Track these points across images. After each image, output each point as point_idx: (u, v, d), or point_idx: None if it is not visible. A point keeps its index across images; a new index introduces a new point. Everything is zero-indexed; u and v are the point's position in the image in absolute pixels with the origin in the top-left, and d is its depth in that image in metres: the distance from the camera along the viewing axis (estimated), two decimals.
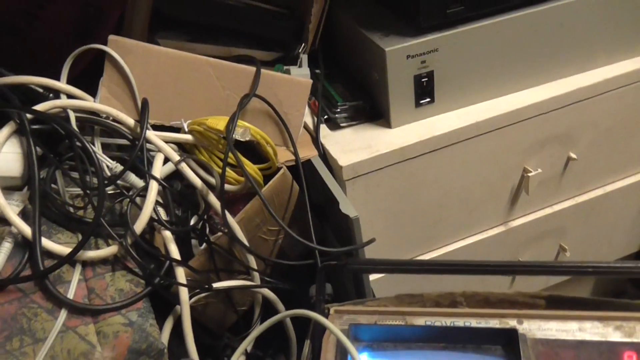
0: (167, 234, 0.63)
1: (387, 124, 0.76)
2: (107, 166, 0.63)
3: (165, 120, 0.69)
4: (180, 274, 0.62)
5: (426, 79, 0.73)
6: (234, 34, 0.84)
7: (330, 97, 0.80)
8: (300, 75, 0.78)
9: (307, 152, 0.74)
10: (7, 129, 0.60)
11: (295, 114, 0.73)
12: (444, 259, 0.85)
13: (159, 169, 0.64)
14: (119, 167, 0.62)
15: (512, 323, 0.55)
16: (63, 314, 0.56)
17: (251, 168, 0.67)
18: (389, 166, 0.73)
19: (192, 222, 0.67)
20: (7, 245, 0.58)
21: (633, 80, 0.81)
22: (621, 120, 0.85)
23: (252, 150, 0.71)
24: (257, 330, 0.56)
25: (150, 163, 0.64)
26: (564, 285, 1.03)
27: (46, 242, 0.58)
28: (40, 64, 0.71)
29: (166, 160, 0.66)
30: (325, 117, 0.78)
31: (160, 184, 0.63)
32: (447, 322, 0.55)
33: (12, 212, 0.58)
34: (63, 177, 0.64)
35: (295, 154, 0.72)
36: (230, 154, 0.64)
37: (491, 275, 0.85)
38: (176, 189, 0.67)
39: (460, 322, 0.55)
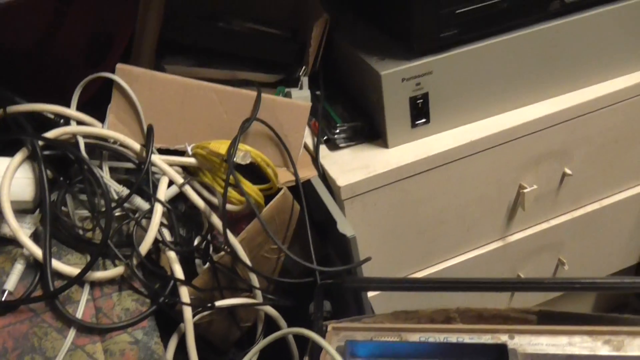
0: (172, 254, 0.65)
1: (385, 144, 0.78)
2: (114, 190, 0.66)
3: (170, 144, 0.72)
4: (184, 293, 0.65)
5: (421, 101, 0.75)
6: (238, 58, 0.87)
7: (330, 118, 0.83)
8: (301, 97, 0.81)
9: (307, 172, 0.76)
10: (20, 156, 0.63)
11: (295, 136, 0.76)
12: (443, 274, 0.87)
13: (163, 192, 0.67)
14: (125, 191, 0.65)
15: (504, 338, 0.57)
16: (72, 333, 0.59)
17: (252, 189, 0.69)
18: (386, 185, 0.75)
19: (195, 242, 0.69)
20: (19, 266, 0.61)
21: (624, 97, 0.83)
22: (614, 136, 0.87)
23: (255, 171, 0.74)
24: (258, 347, 0.58)
25: (156, 186, 0.67)
26: (565, 298, 1.04)
27: (56, 264, 0.61)
28: (53, 89, 0.75)
29: (171, 182, 0.69)
30: (325, 137, 0.81)
31: (164, 206, 0.66)
32: (441, 337, 0.57)
33: (24, 235, 0.61)
34: (73, 200, 0.67)
35: (296, 174, 0.75)
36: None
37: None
38: (180, 211, 0.70)
39: (453, 338, 0.57)
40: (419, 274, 0.87)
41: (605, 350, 0.54)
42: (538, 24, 0.76)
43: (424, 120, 0.77)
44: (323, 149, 0.80)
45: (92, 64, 0.82)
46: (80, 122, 0.69)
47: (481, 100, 0.78)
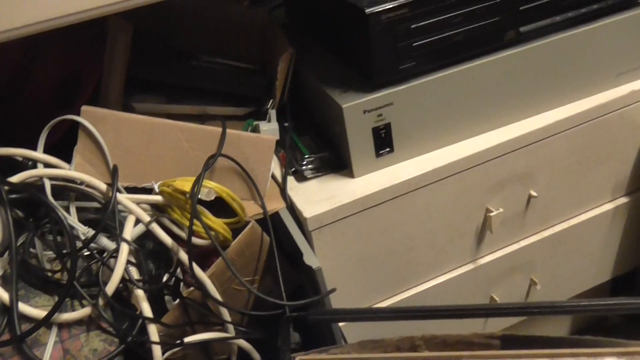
0: (140, 292, 0.66)
1: (351, 174, 0.79)
2: (81, 231, 0.66)
3: (137, 182, 0.73)
4: (153, 331, 0.65)
5: (384, 131, 0.77)
6: (208, 93, 0.89)
7: (297, 150, 0.84)
8: (269, 129, 0.83)
9: (275, 204, 0.78)
10: None
11: (262, 170, 0.77)
12: (415, 299, 0.88)
13: (129, 231, 0.67)
14: (91, 232, 0.66)
15: None
16: None
17: (218, 224, 0.70)
18: (353, 215, 0.77)
19: (164, 279, 0.70)
20: None
21: (584, 120, 0.85)
22: (577, 158, 0.89)
23: (223, 205, 0.75)
24: None
25: (123, 225, 0.68)
26: (540, 318, 1.05)
27: (23, 307, 0.61)
28: (24, 130, 0.76)
29: (138, 221, 0.69)
30: (293, 169, 0.82)
31: (130, 245, 0.67)
32: None
33: None
34: (42, 241, 0.68)
35: (263, 207, 0.76)
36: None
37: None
38: (148, 248, 0.70)
39: None
40: (392, 300, 0.88)
41: None
42: (494, 54, 0.78)
43: (388, 149, 0.79)
44: (291, 180, 0.81)
45: (61, 105, 0.83)
46: (47, 165, 0.70)
47: (443, 128, 0.80)
